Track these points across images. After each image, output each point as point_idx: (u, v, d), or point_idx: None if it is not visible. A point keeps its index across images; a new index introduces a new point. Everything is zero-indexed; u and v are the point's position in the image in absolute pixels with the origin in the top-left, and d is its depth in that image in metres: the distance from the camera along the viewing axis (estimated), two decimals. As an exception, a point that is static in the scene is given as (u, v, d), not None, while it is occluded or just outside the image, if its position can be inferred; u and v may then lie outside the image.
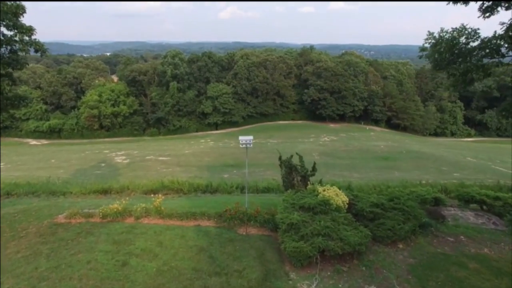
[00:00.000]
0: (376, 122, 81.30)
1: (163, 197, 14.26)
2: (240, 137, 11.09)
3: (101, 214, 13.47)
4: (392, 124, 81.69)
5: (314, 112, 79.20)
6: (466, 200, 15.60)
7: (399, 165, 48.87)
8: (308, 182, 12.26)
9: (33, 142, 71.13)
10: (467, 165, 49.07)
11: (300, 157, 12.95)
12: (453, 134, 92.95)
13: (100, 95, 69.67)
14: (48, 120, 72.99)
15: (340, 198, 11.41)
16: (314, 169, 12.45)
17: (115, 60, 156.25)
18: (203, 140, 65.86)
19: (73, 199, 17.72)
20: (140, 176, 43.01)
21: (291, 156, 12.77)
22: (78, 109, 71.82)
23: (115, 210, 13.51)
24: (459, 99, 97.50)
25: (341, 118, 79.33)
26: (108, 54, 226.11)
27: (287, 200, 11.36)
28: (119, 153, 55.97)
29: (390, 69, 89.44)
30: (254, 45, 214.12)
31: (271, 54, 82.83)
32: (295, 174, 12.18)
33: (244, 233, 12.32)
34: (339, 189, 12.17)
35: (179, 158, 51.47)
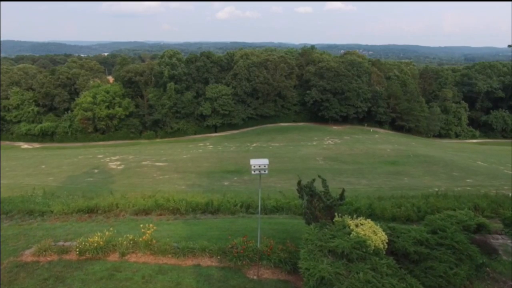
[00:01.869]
0: (380, 124, 78.92)
1: (154, 228, 11.71)
2: (252, 161, 8.55)
3: (77, 250, 10.96)
4: (396, 126, 79.32)
5: (316, 114, 76.74)
6: (515, 225, 13.18)
7: (408, 170, 46.54)
8: (336, 214, 9.77)
9: (24, 145, 68.38)
10: (478, 170, 46.81)
11: (323, 181, 10.44)
12: (457, 136, 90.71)
13: (94, 97, 66.94)
14: (41, 122, 70.21)
15: (378, 237, 8.94)
16: (342, 197, 9.96)
17: (113, 61, 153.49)
18: (201, 144, 63.33)
19: (51, 223, 15.18)
20: (135, 184, 40.52)
21: (313, 180, 10.26)
22: (72, 111, 69.05)
23: (96, 245, 10.99)
24: (463, 100, 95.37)
25: (344, 119, 76.90)
26: (105, 54, 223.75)
27: (311, 240, 8.86)
28: (114, 158, 53.41)
29: (393, 69, 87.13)
30: (253, 45, 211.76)
31: (271, 54, 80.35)
32: (318, 203, 9.69)
33: (255, 277, 9.84)
34: (374, 223, 9.68)
35: (176, 163, 48.95)
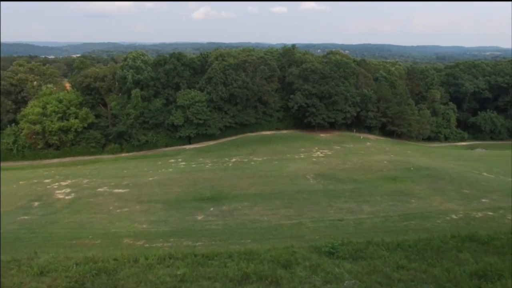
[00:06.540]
0: (369, 130, 72.96)
1: None
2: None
3: None
4: (386, 131, 73.70)
5: (301, 120, 69.75)
6: None
7: (413, 188, 40.20)
8: None
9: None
10: (489, 185, 41.29)
11: None
12: (446, 138, 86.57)
13: (44, 107, 56.92)
14: (-22, 138, 59.26)
15: None
16: None
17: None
18: (172, 160, 54.74)
19: None
20: (83, 222, 31.71)
21: None
22: (17, 124, 58.64)
23: None
24: (450, 101, 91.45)
25: (331, 126, 70.35)
26: (76, 55, 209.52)
27: None
28: (64, 183, 44.06)
29: (380, 69, 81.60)
30: (230, 45, 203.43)
31: (250, 54, 72.56)
32: None
33: None
34: None
35: (140, 189, 40.27)
